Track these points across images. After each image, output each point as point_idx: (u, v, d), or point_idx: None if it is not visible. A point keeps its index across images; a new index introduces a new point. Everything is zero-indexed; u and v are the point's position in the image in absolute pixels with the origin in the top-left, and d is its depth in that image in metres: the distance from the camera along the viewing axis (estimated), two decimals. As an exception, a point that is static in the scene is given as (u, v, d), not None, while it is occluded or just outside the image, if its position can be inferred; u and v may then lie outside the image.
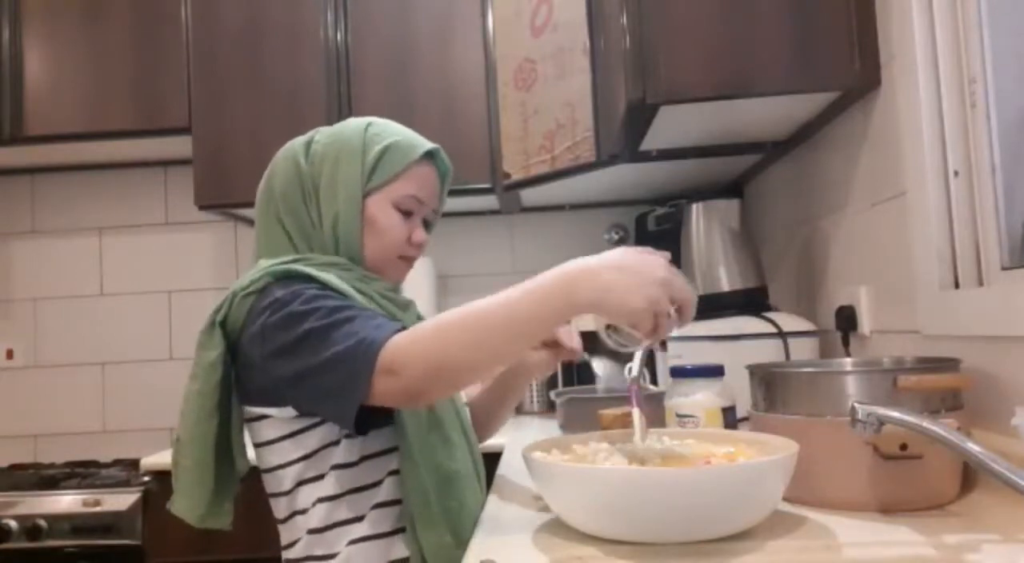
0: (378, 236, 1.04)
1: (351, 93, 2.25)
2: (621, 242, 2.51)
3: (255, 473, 1.03)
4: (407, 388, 0.81)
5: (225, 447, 0.99)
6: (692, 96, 1.28)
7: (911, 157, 1.15)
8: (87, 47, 2.34)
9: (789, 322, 1.45)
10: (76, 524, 1.97)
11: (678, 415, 1.09)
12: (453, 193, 2.17)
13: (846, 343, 1.40)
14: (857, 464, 0.83)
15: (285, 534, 1.00)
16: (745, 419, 1.06)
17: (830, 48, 1.25)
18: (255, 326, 0.91)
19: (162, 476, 1.97)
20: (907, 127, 1.16)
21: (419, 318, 1.14)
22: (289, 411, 0.94)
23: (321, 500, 0.96)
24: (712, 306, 1.58)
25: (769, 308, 1.55)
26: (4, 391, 2.63)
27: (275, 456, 0.98)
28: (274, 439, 0.97)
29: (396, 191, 1.04)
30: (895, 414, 0.75)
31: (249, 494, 1.05)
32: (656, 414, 1.12)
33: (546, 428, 1.70)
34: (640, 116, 1.38)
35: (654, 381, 1.61)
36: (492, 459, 1.24)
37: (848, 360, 1.16)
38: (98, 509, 1.98)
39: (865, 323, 1.35)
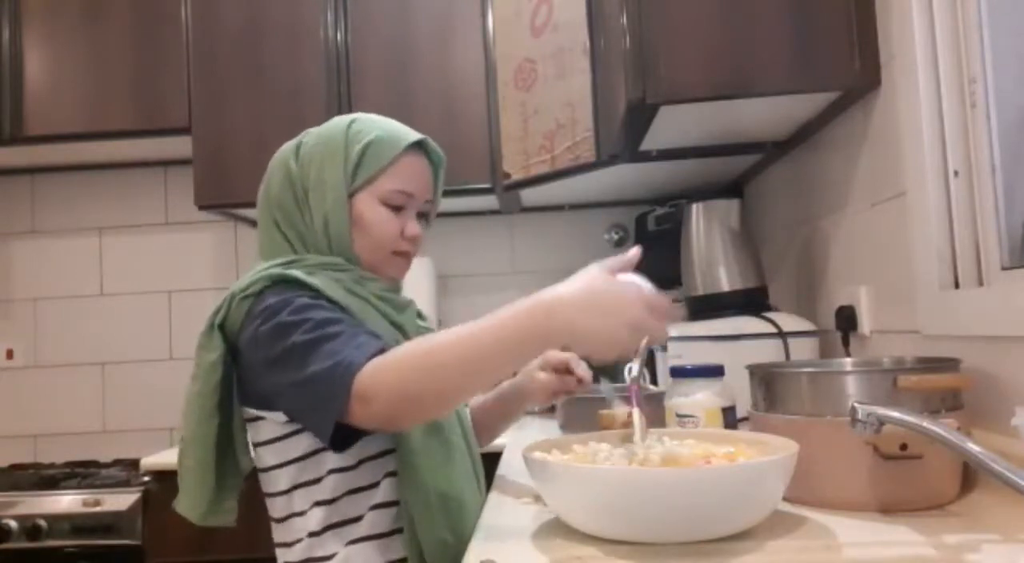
0: (368, 234, 1.03)
1: (351, 93, 2.25)
2: (621, 242, 2.51)
3: (254, 473, 1.04)
4: (379, 415, 0.82)
5: (226, 447, 1.00)
6: (692, 96, 1.28)
7: (911, 157, 1.15)
8: (87, 47, 2.34)
9: (789, 322, 1.45)
10: (76, 524, 1.97)
11: (678, 415, 1.09)
12: (453, 193, 2.18)
13: (846, 343, 1.40)
14: (857, 464, 0.83)
15: (280, 533, 1.00)
16: (745, 419, 1.06)
17: (830, 48, 1.25)
18: (249, 331, 0.93)
19: (162, 476, 1.97)
20: (907, 127, 1.16)
21: (419, 316, 1.14)
22: (281, 415, 0.95)
23: (319, 503, 0.96)
24: (712, 306, 1.58)
25: (769, 308, 1.55)
26: (4, 391, 2.63)
27: (271, 456, 0.99)
28: (270, 440, 0.98)
29: (382, 187, 1.03)
30: (895, 414, 0.75)
31: (248, 494, 1.06)
32: (656, 414, 1.12)
33: (546, 428, 1.70)
34: (640, 116, 1.38)
35: (654, 381, 1.61)
36: (492, 459, 1.24)
37: (848, 360, 1.16)
38: (98, 509, 1.98)
39: (865, 323, 1.35)
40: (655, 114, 1.36)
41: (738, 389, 1.07)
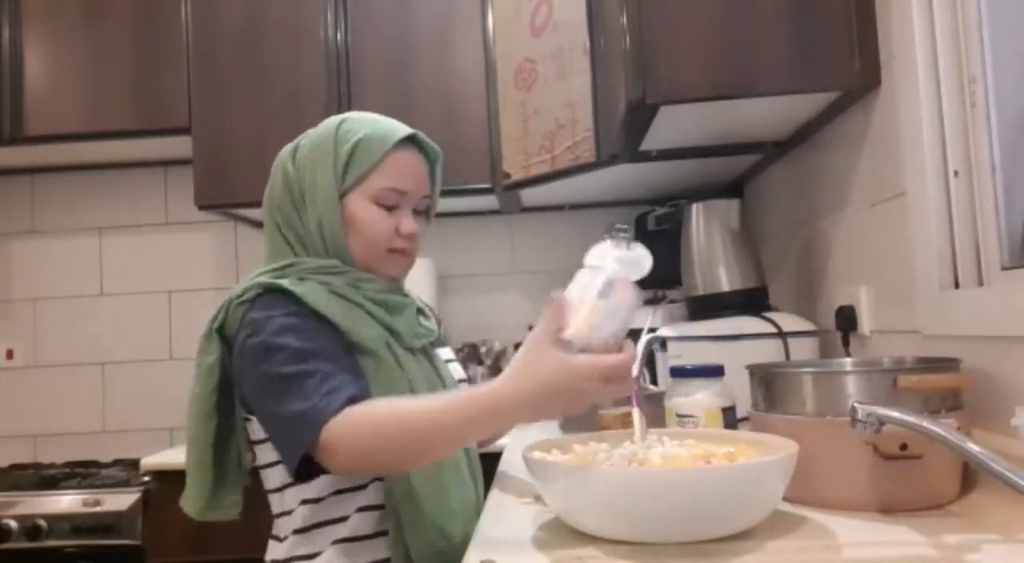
0: (361, 234, 1.03)
1: (351, 93, 2.25)
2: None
3: (255, 472, 1.05)
4: (340, 467, 0.86)
5: (226, 445, 1.01)
6: (692, 96, 1.28)
7: (911, 157, 1.15)
8: (87, 47, 2.34)
9: (789, 322, 1.45)
10: (76, 524, 1.97)
11: (678, 415, 1.09)
12: (453, 193, 2.18)
13: (846, 343, 1.40)
14: (857, 464, 0.83)
15: (275, 527, 1.03)
16: (745, 419, 1.06)
17: (830, 48, 1.25)
18: (239, 340, 0.95)
19: (162, 476, 1.97)
20: (907, 127, 1.16)
21: (419, 312, 1.13)
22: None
23: (305, 502, 0.98)
24: (712, 306, 1.58)
25: (769, 308, 1.55)
26: (4, 391, 2.63)
27: (264, 455, 1.01)
28: (263, 439, 0.99)
29: (373, 186, 1.03)
30: (895, 414, 0.75)
31: (248, 494, 1.06)
32: (656, 414, 1.12)
33: (546, 428, 1.70)
34: (640, 116, 1.38)
35: (654, 381, 1.61)
36: (492, 459, 1.24)
37: (848, 360, 1.16)
38: (98, 509, 1.98)
39: (865, 323, 1.35)
40: (655, 114, 1.36)
41: (738, 389, 1.07)
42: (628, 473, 0.76)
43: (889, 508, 0.83)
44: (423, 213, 1.12)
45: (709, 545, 0.72)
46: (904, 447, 0.80)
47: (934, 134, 1.11)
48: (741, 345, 1.40)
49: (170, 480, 1.87)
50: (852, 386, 0.86)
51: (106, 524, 1.97)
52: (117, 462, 2.39)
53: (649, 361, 1.51)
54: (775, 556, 0.70)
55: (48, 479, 2.13)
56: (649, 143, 1.58)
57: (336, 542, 0.97)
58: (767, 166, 1.86)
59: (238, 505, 1.04)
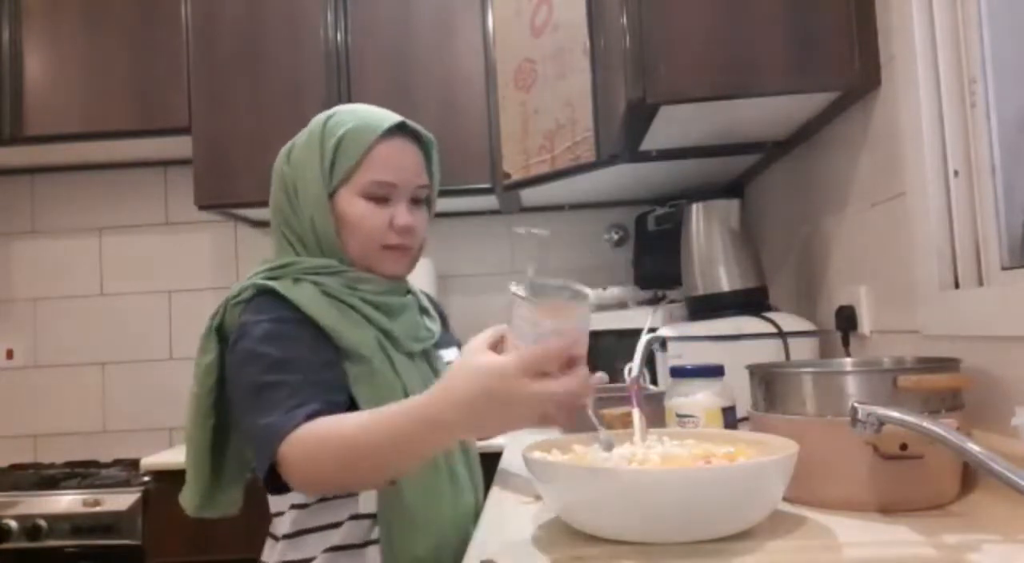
0: (353, 232, 1.01)
1: (351, 93, 2.25)
2: (621, 242, 2.51)
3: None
4: (297, 485, 0.86)
5: (224, 444, 1.01)
6: (692, 96, 1.28)
7: (911, 157, 1.15)
8: (87, 47, 2.34)
9: (789, 322, 1.45)
10: (76, 524, 1.97)
11: (678, 415, 1.09)
12: (453, 193, 2.18)
13: (846, 343, 1.40)
14: (857, 464, 0.83)
15: (272, 527, 1.02)
16: (745, 419, 1.06)
17: (830, 48, 1.25)
18: (230, 343, 0.95)
19: (162, 476, 1.97)
20: (907, 127, 1.16)
21: (423, 312, 1.12)
22: None
23: (294, 507, 0.97)
24: (712, 306, 1.58)
25: (769, 308, 1.55)
26: (4, 391, 2.63)
27: None
28: None
29: (360, 180, 1.00)
30: (895, 414, 0.75)
31: (249, 492, 1.06)
32: (656, 414, 1.12)
33: (546, 428, 1.70)
34: (640, 116, 1.38)
35: (654, 381, 1.61)
36: (492, 459, 1.24)
37: (848, 360, 1.16)
38: (98, 509, 1.98)
39: (865, 323, 1.35)
40: (655, 114, 1.36)
41: (738, 389, 1.07)
42: (628, 473, 0.76)
43: (889, 508, 0.83)
44: (423, 204, 1.08)
45: (709, 545, 0.72)
46: (904, 447, 0.80)
47: (934, 134, 1.11)
48: (741, 345, 1.40)
49: (170, 480, 1.87)
50: (852, 386, 0.86)
51: (106, 524, 1.97)
52: (117, 462, 2.39)
53: (649, 361, 1.51)
54: (775, 556, 0.70)
55: (48, 479, 2.13)
56: (649, 143, 1.58)
57: (328, 550, 0.95)
58: (767, 166, 1.86)
59: (238, 503, 1.04)
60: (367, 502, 0.96)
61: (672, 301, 1.94)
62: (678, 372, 1.13)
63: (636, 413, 0.92)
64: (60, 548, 1.97)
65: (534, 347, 0.72)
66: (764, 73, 1.26)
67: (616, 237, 2.51)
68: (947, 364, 0.92)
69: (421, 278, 2.29)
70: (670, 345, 1.44)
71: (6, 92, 2.32)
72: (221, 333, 0.98)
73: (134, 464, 2.14)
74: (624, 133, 1.50)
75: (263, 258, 1.06)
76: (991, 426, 0.94)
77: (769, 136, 1.61)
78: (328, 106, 2.18)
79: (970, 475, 0.90)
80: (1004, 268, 1.03)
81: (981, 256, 1.07)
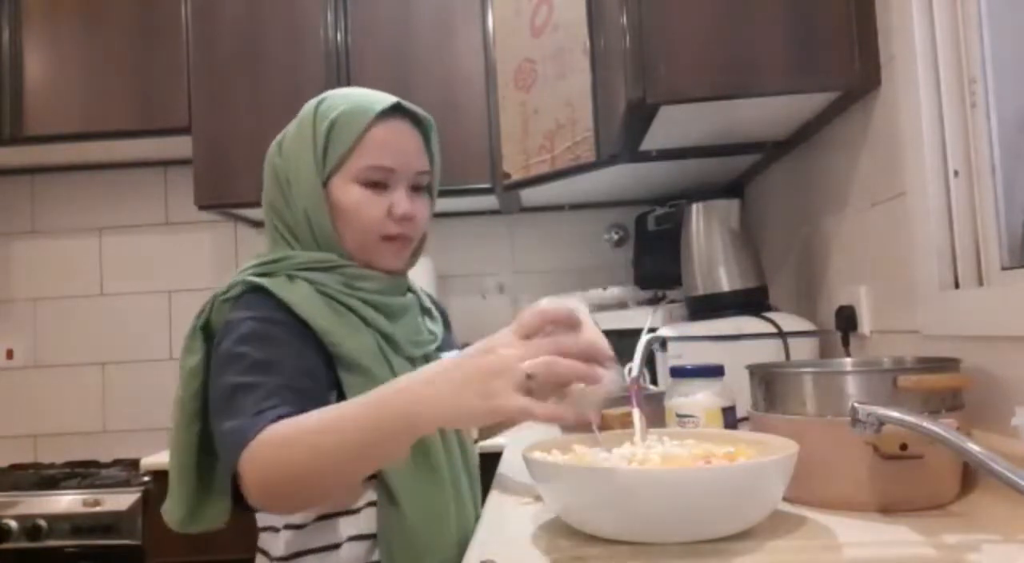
0: (349, 222, 0.94)
1: (351, 93, 2.25)
2: (621, 242, 2.50)
3: None
4: (254, 499, 0.77)
5: (211, 453, 0.91)
6: (692, 96, 1.28)
7: (911, 157, 1.15)
8: (87, 47, 2.34)
9: (789, 322, 1.45)
10: (76, 524, 1.97)
11: (678, 415, 1.09)
12: (453, 193, 2.18)
13: (846, 343, 1.40)
14: (857, 464, 0.83)
15: (260, 540, 0.96)
16: (745, 419, 1.06)
17: (830, 48, 1.25)
18: (215, 343, 0.88)
19: (162, 476, 1.97)
20: (907, 127, 1.16)
21: (425, 313, 1.07)
22: None
23: (289, 527, 0.90)
24: (712, 306, 1.58)
25: (769, 308, 1.55)
26: (4, 391, 2.63)
27: None
28: None
29: (354, 166, 0.94)
30: (895, 414, 0.75)
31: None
32: (656, 414, 1.12)
33: (546, 428, 1.70)
34: (640, 116, 1.38)
35: (654, 381, 1.61)
36: (492, 459, 1.24)
37: (848, 360, 1.16)
38: (98, 509, 1.98)
39: (865, 323, 1.35)
40: (655, 114, 1.36)
41: (738, 389, 1.07)
42: (628, 473, 0.76)
43: (889, 508, 0.83)
44: (424, 192, 1.01)
45: (709, 545, 0.72)
46: (904, 447, 0.80)
47: (934, 134, 1.11)
48: (741, 345, 1.40)
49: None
50: (852, 386, 0.86)
51: (106, 524, 1.97)
52: (117, 462, 2.39)
53: (649, 361, 1.51)
54: (775, 556, 0.70)
55: (48, 479, 2.13)
56: (649, 143, 1.58)
57: None
58: (767, 166, 1.86)
59: (225, 514, 0.93)
60: (367, 521, 0.89)
61: (672, 301, 1.94)
62: (678, 372, 1.13)
63: (636, 413, 0.92)
64: (60, 548, 1.97)
65: (529, 309, 0.69)
66: (764, 73, 1.26)
67: (616, 237, 2.51)
68: (947, 364, 0.92)
69: (421, 278, 2.29)
70: (670, 345, 1.44)
71: (6, 92, 2.32)
72: (207, 332, 0.91)
73: (134, 464, 2.14)
74: (624, 133, 1.50)
75: (256, 253, 1.00)
76: (991, 426, 0.94)
77: (769, 136, 1.61)
78: (328, 106, 2.11)
79: (970, 475, 0.90)
80: (1004, 268, 1.03)
81: (981, 256, 1.07)
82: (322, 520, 0.89)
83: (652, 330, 1.45)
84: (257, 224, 2.55)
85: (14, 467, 2.42)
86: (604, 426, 1.25)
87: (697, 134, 1.56)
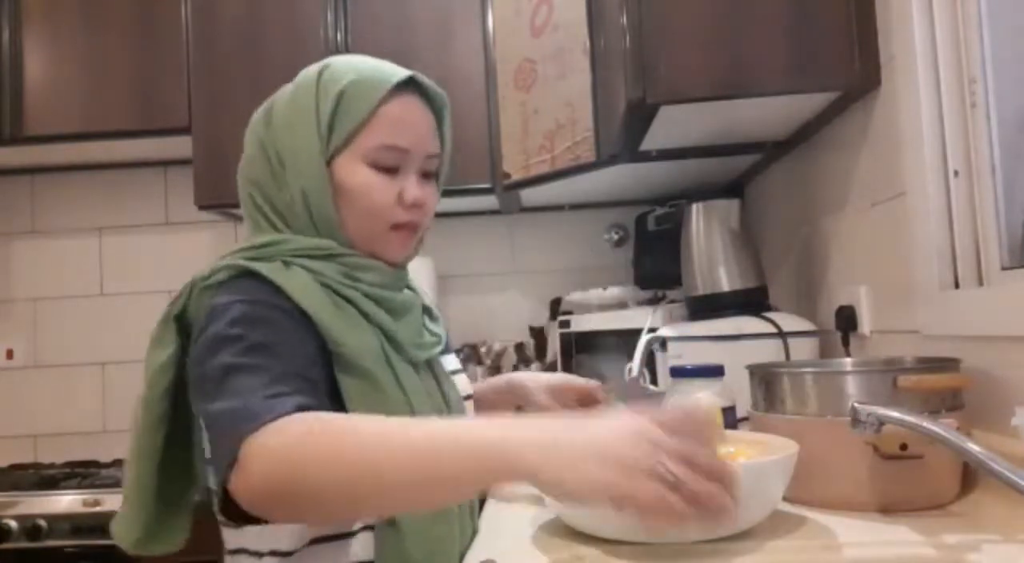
0: (355, 206, 0.84)
1: (351, 93, 2.25)
2: (621, 242, 2.50)
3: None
4: (248, 490, 0.62)
5: (174, 464, 0.82)
6: (692, 96, 1.28)
7: (911, 157, 1.15)
8: (87, 47, 2.34)
9: (789, 322, 1.45)
10: (76, 524, 1.97)
11: (678, 415, 1.09)
12: (453, 193, 2.18)
13: (846, 343, 1.40)
14: (857, 464, 0.83)
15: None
16: (745, 419, 1.06)
17: (830, 48, 1.25)
18: (195, 334, 0.77)
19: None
20: (907, 127, 1.16)
21: (426, 310, 0.98)
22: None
23: (275, 553, 0.79)
24: (712, 306, 1.58)
25: (769, 308, 1.55)
26: (4, 391, 2.63)
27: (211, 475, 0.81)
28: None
29: (365, 144, 0.83)
30: (895, 414, 0.75)
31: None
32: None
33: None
34: (640, 116, 1.38)
35: (654, 381, 1.61)
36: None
37: (848, 360, 1.16)
38: (98, 509, 1.98)
39: (865, 323, 1.35)
40: (655, 114, 1.36)
41: (738, 389, 1.07)
42: (628, 473, 0.76)
43: (889, 508, 0.83)
44: (433, 177, 0.91)
45: (709, 545, 0.72)
46: (904, 447, 0.80)
47: (934, 134, 1.11)
48: (741, 345, 1.40)
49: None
50: (852, 386, 0.86)
51: (106, 524, 1.95)
52: (117, 462, 2.39)
53: (649, 361, 1.51)
54: (775, 556, 0.70)
55: (48, 479, 2.13)
56: (649, 143, 1.58)
57: None
58: (767, 166, 1.86)
59: (185, 532, 0.85)
60: (364, 547, 0.78)
61: (672, 301, 1.94)
62: (678, 372, 1.13)
63: (636, 413, 0.92)
64: (60, 548, 1.97)
65: (678, 410, 0.62)
66: (764, 73, 1.26)
67: (616, 237, 2.51)
68: (947, 364, 0.92)
69: (421, 278, 2.29)
70: (670, 345, 1.44)
71: (6, 92, 2.32)
72: (182, 323, 0.79)
73: (134, 464, 2.14)
74: (624, 133, 1.50)
75: (243, 241, 0.87)
76: (991, 426, 0.94)
77: (769, 136, 1.61)
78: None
79: (970, 475, 0.90)
80: (1004, 268, 1.03)
81: (981, 256, 1.07)
82: (315, 544, 0.78)
83: (652, 330, 1.45)
84: (257, 224, 2.55)
85: (14, 467, 2.42)
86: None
87: (697, 134, 1.56)
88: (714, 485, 0.56)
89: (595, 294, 2.06)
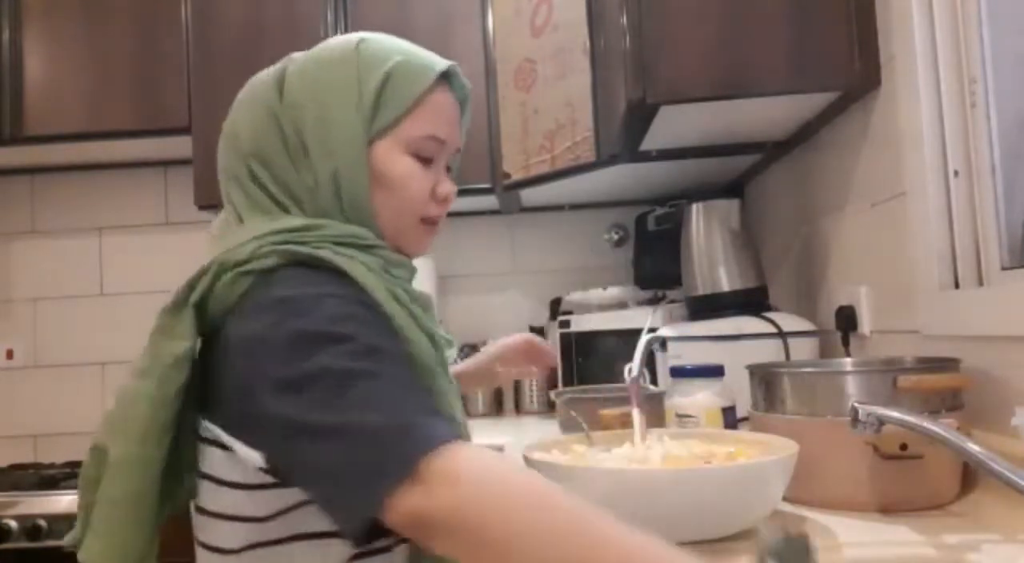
0: (392, 195, 0.77)
1: (351, 93, 2.25)
2: (621, 242, 2.50)
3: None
4: (424, 513, 0.53)
5: (169, 474, 0.70)
6: (692, 96, 1.28)
7: (911, 157, 1.15)
8: (87, 47, 2.34)
9: (789, 322, 1.45)
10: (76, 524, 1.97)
11: (678, 415, 1.09)
12: (453, 193, 2.17)
13: (846, 343, 1.40)
14: (857, 464, 0.83)
15: None
16: (745, 419, 1.06)
17: (830, 48, 1.25)
18: (252, 326, 0.65)
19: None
20: (907, 127, 1.16)
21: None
22: (257, 457, 0.65)
23: None
24: (712, 306, 1.58)
25: (769, 308, 1.55)
26: (4, 391, 2.63)
27: (220, 499, 0.70)
28: (226, 481, 0.69)
29: (409, 131, 0.78)
30: (895, 414, 0.75)
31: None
32: (656, 414, 1.12)
33: (546, 428, 1.70)
34: (640, 116, 1.38)
35: (654, 381, 1.61)
36: (492, 459, 1.24)
37: (848, 360, 1.17)
38: (98, 509, 1.98)
39: (865, 323, 1.35)
40: (655, 114, 1.36)
41: (738, 389, 1.07)
42: (628, 473, 0.76)
43: (889, 508, 0.83)
44: (450, 173, 0.87)
45: (709, 545, 0.72)
46: (904, 447, 0.80)
47: (934, 134, 1.11)
48: (741, 345, 1.40)
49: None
50: (852, 386, 0.87)
51: (106, 524, 1.97)
52: (117, 462, 2.39)
53: (649, 361, 1.52)
54: (775, 556, 0.70)
55: (48, 479, 2.13)
56: (649, 143, 1.58)
57: None
58: (767, 166, 1.86)
59: (154, 555, 0.74)
60: (401, 559, 0.72)
61: (672, 301, 1.94)
62: (678, 372, 1.13)
63: (636, 413, 0.92)
64: (60, 548, 1.96)
65: None
66: (764, 73, 1.26)
67: (616, 237, 2.51)
68: (947, 364, 0.92)
69: (421, 278, 2.29)
70: (670, 345, 1.44)
71: (6, 92, 2.31)
72: (203, 312, 0.69)
73: (134, 464, 2.14)
74: (624, 133, 1.50)
75: (255, 221, 0.76)
76: (991, 426, 0.94)
77: (769, 136, 1.61)
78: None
79: (970, 475, 0.90)
80: (1004, 268, 1.03)
81: (981, 256, 1.07)
82: (357, 560, 0.71)
83: (652, 330, 1.45)
84: (257, 224, 2.55)
85: (14, 467, 2.42)
86: (604, 426, 1.26)
87: (697, 134, 1.56)
88: None
89: (595, 294, 2.06)
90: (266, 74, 0.81)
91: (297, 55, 0.81)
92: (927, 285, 1.12)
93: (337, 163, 0.75)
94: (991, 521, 0.79)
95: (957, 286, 1.09)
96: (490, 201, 2.39)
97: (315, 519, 0.67)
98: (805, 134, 1.56)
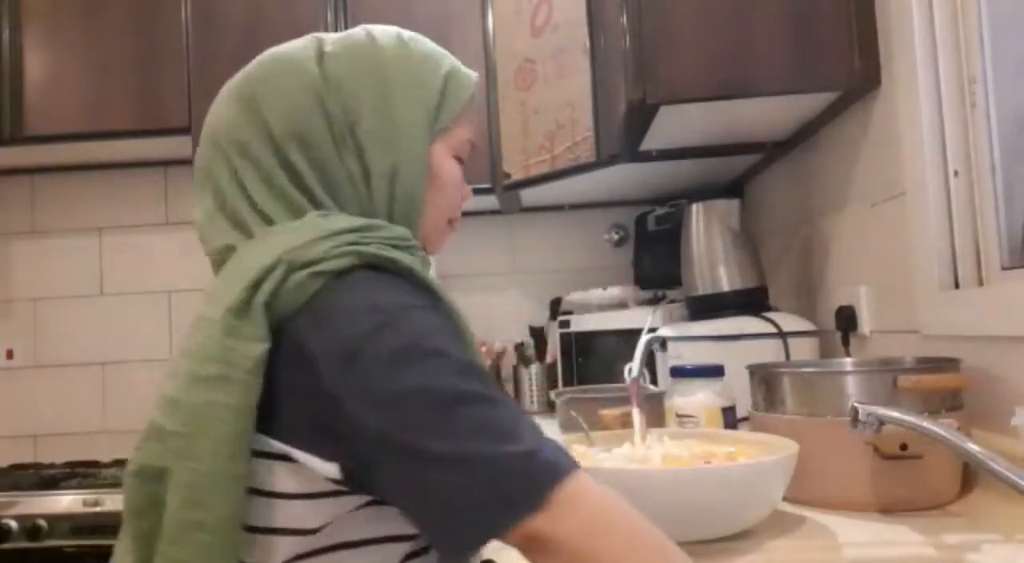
0: (439, 195, 0.77)
1: (351, 93, 2.25)
2: (621, 242, 2.50)
3: None
4: (555, 538, 0.54)
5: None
6: (692, 96, 1.28)
7: (911, 157, 1.15)
8: (87, 47, 2.34)
9: (789, 322, 1.45)
10: (76, 524, 1.97)
11: (678, 415, 1.09)
12: (453, 193, 2.18)
13: (846, 343, 1.40)
14: (857, 464, 0.83)
15: None
16: (745, 419, 1.06)
17: (830, 48, 1.25)
18: (336, 331, 0.60)
19: (162, 476, 1.97)
20: (907, 127, 1.16)
21: None
22: (331, 468, 0.59)
23: None
24: (712, 306, 1.58)
25: (769, 308, 1.55)
26: (4, 391, 2.63)
27: (268, 512, 0.63)
28: (279, 493, 0.62)
29: (458, 135, 0.77)
30: (895, 414, 0.75)
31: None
32: (656, 414, 1.12)
33: (546, 428, 1.70)
34: (640, 116, 1.38)
35: (654, 381, 1.61)
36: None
37: (848, 360, 1.17)
38: (98, 509, 1.98)
39: (865, 323, 1.35)
40: (655, 114, 1.36)
41: (738, 389, 1.07)
42: (628, 473, 0.76)
43: (889, 508, 0.83)
44: None
45: (709, 545, 0.72)
46: (904, 447, 0.81)
47: (934, 134, 1.11)
48: (741, 345, 1.40)
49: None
50: (852, 386, 0.87)
51: (106, 524, 1.97)
52: (117, 462, 2.39)
53: (649, 361, 1.52)
54: (775, 556, 0.70)
55: (48, 479, 2.13)
56: (649, 143, 1.58)
57: None
58: (767, 166, 1.87)
59: None
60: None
61: (672, 301, 1.95)
62: (678, 372, 1.13)
63: (636, 413, 0.92)
64: (60, 548, 1.96)
65: None
66: (764, 73, 1.26)
67: (616, 237, 2.51)
68: (947, 364, 0.92)
69: (421, 278, 2.29)
70: (670, 345, 1.44)
71: (6, 92, 2.31)
72: (273, 314, 0.62)
73: (134, 464, 2.14)
74: (624, 133, 1.50)
75: (310, 218, 0.68)
76: (991, 426, 0.94)
77: (769, 136, 1.61)
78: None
79: (970, 475, 0.90)
80: (1004, 268, 1.03)
81: (981, 256, 1.07)
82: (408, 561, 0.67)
83: (652, 330, 1.45)
84: (257, 224, 2.55)
85: (14, 467, 2.42)
86: (604, 426, 1.26)
87: (697, 134, 1.56)
88: None
89: (595, 294, 2.06)
90: (297, 51, 0.75)
91: (330, 36, 0.77)
92: (927, 285, 1.12)
93: (398, 157, 0.72)
94: (991, 521, 0.79)
95: (957, 286, 1.09)
96: (490, 201, 2.39)
97: (363, 526, 0.64)
98: (805, 134, 1.56)
